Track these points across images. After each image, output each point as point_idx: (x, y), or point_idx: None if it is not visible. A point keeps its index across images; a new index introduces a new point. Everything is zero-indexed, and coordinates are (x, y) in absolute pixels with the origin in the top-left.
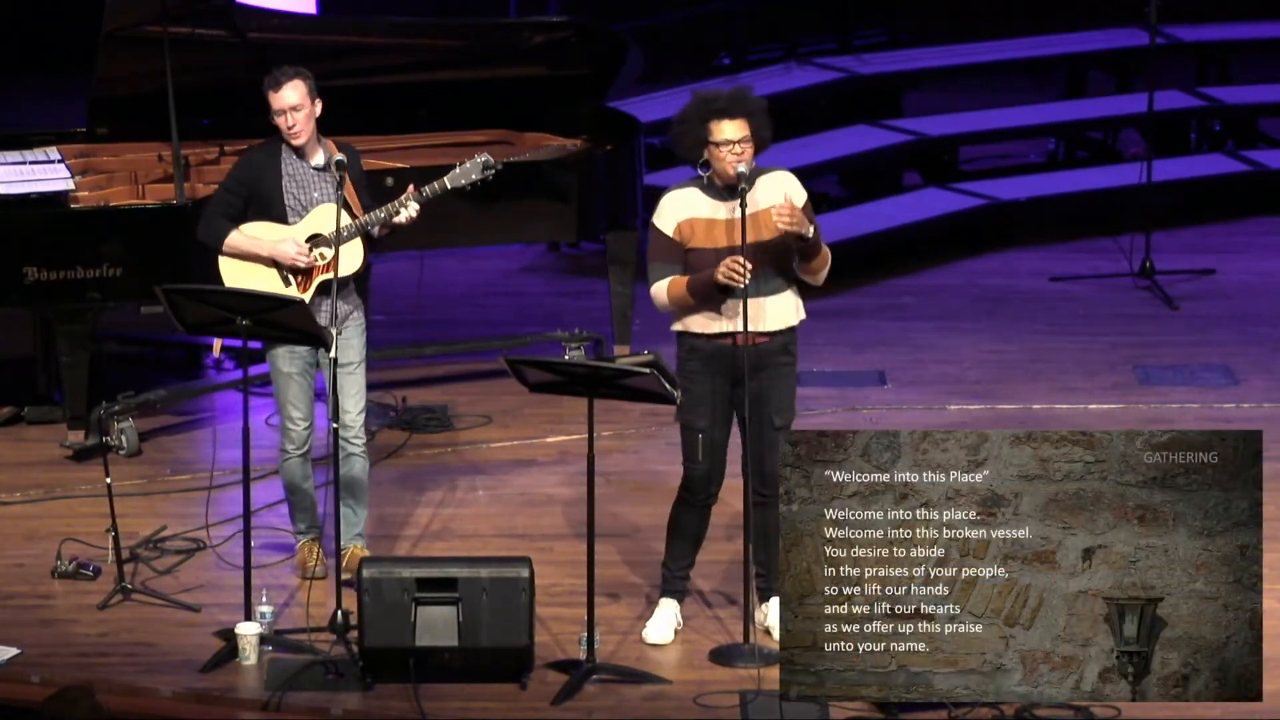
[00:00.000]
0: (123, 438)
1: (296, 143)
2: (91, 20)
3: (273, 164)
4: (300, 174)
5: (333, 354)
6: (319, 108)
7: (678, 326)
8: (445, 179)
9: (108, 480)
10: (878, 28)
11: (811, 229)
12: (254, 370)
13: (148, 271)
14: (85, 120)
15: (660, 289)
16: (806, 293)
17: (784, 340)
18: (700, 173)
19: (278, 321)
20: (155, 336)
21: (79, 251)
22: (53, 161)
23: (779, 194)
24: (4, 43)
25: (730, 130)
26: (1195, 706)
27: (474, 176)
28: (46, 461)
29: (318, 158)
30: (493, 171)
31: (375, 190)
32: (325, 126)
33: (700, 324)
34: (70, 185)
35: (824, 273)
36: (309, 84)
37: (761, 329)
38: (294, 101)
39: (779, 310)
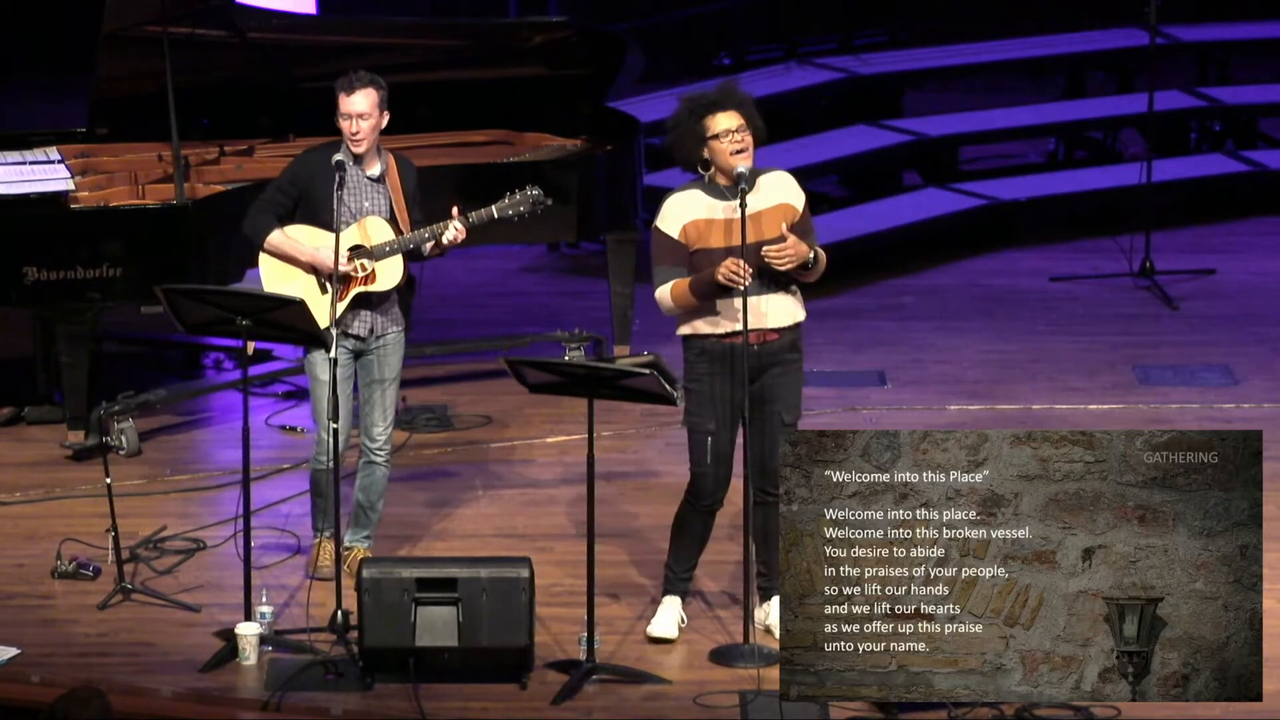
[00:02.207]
0: (123, 438)
1: (357, 150)
2: (91, 20)
3: (328, 168)
4: (354, 182)
5: (332, 354)
6: (385, 120)
7: (685, 330)
8: (494, 208)
9: (108, 480)
10: (878, 28)
11: (812, 253)
12: (254, 370)
13: (148, 271)
14: (85, 120)
15: (665, 292)
16: (806, 292)
17: (792, 337)
18: (701, 173)
19: (277, 322)
20: (155, 336)
21: (79, 251)
22: (53, 161)
23: (777, 194)
24: (4, 43)
25: (726, 120)
26: (1195, 706)
27: (523, 209)
28: (46, 461)
29: (374, 168)
30: (542, 206)
31: None
32: (323, 125)
33: (709, 325)
34: (70, 185)
35: (820, 274)
36: (381, 94)
37: (769, 326)
38: (363, 109)
39: (783, 307)
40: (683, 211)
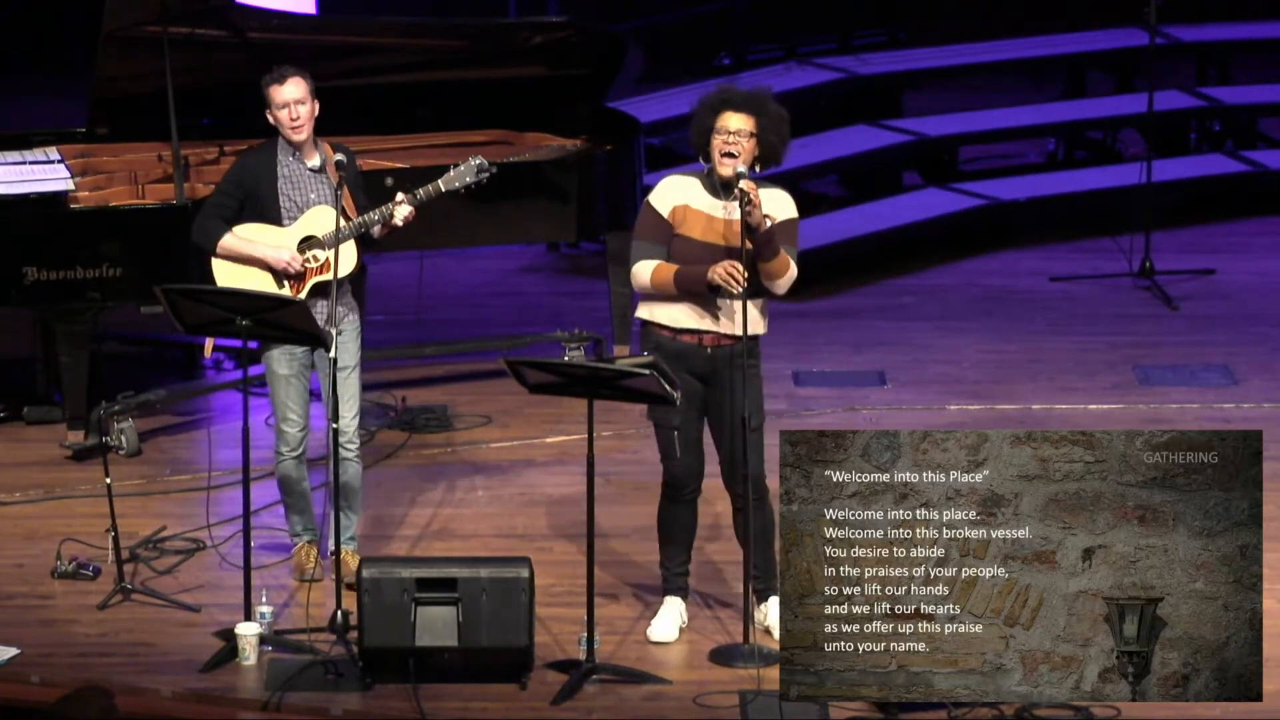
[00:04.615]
0: (123, 438)
1: (298, 138)
2: (91, 20)
3: (269, 165)
4: (296, 175)
5: (332, 354)
6: (317, 108)
7: (643, 314)
8: (440, 181)
9: (108, 480)
10: (878, 28)
11: (768, 222)
12: (254, 370)
13: (148, 271)
14: (85, 120)
15: (644, 270)
16: (806, 292)
17: (749, 345)
18: (704, 164)
19: (277, 322)
20: (155, 336)
21: (79, 251)
22: (53, 161)
23: (768, 209)
24: (4, 43)
25: (733, 121)
26: (1195, 706)
27: (468, 180)
28: (46, 461)
29: (314, 159)
30: (487, 175)
31: (375, 190)
32: (325, 127)
33: (669, 318)
34: (70, 185)
35: (782, 282)
36: (310, 84)
37: (732, 331)
38: (298, 95)
39: (748, 315)
40: (676, 193)
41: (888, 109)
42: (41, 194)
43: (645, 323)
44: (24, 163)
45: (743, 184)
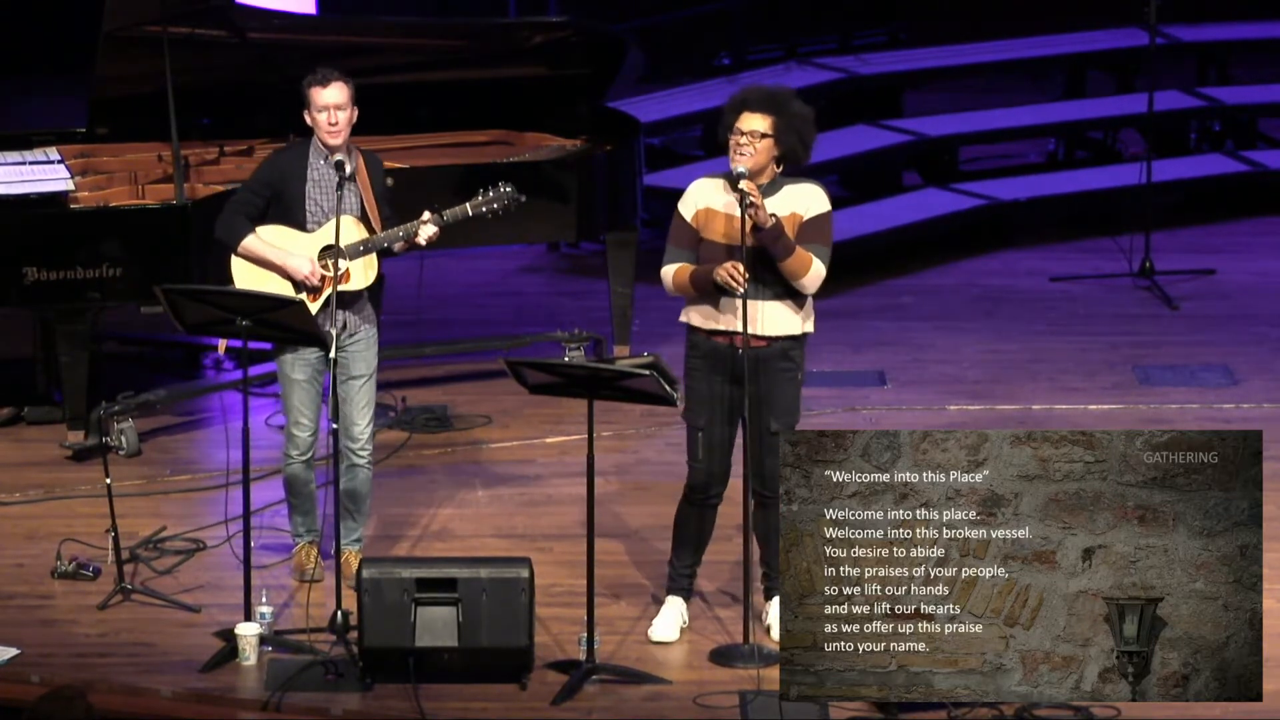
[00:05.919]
0: (123, 438)
1: (334, 142)
2: (91, 20)
3: (299, 167)
4: (325, 180)
5: (332, 354)
6: (355, 115)
7: (684, 318)
8: (468, 205)
9: (108, 480)
10: (878, 28)
11: (771, 220)
12: (254, 370)
13: (148, 271)
14: (85, 120)
15: (668, 271)
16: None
17: (783, 347)
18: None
19: (278, 322)
20: (155, 336)
21: (79, 251)
22: (53, 161)
23: (790, 206)
24: (4, 43)
25: (747, 122)
26: (1195, 706)
27: (496, 206)
28: (46, 461)
29: (345, 167)
30: (517, 203)
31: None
32: None
33: (699, 318)
34: (70, 185)
35: (805, 280)
36: (351, 89)
37: (757, 332)
38: (339, 100)
39: (775, 316)
40: (699, 197)
41: (888, 109)
42: (41, 194)
43: (687, 327)
44: (24, 163)
45: (742, 184)
